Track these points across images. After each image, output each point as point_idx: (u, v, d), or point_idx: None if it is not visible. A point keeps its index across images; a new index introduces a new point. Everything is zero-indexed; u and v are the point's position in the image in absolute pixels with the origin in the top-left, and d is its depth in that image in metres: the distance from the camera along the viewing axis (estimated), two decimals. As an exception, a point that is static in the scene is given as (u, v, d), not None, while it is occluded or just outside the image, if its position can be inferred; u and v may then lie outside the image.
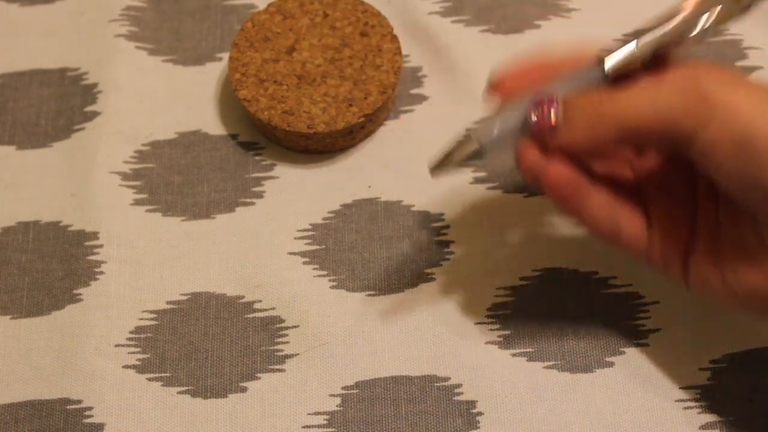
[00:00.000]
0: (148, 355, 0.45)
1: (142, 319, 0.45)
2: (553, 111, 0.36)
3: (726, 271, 0.36)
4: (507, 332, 0.44)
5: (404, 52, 0.51)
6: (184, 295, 0.46)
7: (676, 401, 0.43)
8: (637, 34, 0.36)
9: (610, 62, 0.36)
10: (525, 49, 0.51)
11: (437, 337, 0.45)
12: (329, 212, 0.48)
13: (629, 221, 0.38)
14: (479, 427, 0.43)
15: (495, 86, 0.38)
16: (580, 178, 0.37)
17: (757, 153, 0.33)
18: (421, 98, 0.50)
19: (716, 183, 0.35)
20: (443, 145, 0.38)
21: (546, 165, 0.36)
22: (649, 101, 0.34)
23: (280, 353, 0.44)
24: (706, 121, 0.33)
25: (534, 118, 0.36)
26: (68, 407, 0.43)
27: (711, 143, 0.33)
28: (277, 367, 0.44)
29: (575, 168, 0.37)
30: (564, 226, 0.46)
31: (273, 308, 0.45)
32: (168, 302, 0.46)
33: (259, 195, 0.48)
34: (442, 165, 0.38)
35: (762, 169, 0.33)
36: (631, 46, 0.36)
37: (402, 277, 0.46)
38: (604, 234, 0.38)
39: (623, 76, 0.36)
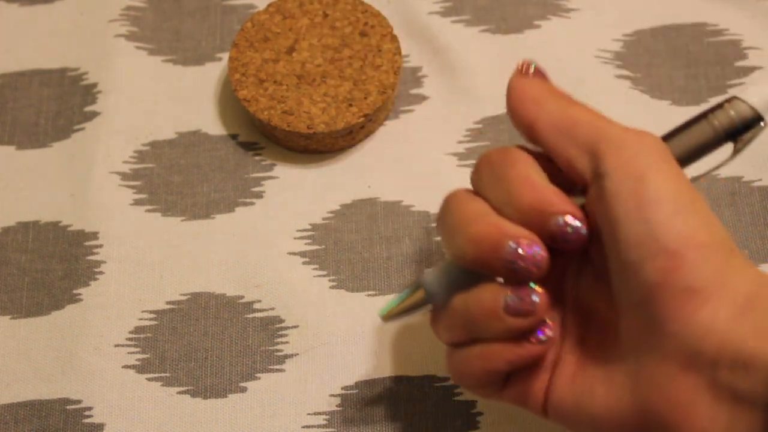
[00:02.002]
0: (147, 355, 0.45)
1: (141, 319, 0.45)
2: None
3: (583, 392, 0.33)
4: (507, 332, 0.44)
5: (404, 52, 0.51)
6: (183, 295, 0.46)
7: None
8: None
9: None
10: (524, 48, 0.51)
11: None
12: (329, 212, 0.48)
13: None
14: (479, 427, 0.43)
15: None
16: None
17: (659, 217, 0.31)
18: (420, 98, 0.50)
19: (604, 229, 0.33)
20: (394, 296, 0.38)
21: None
22: (596, 117, 0.34)
23: (280, 353, 0.44)
24: (623, 167, 0.32)
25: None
26: (68, 407, 0.43)
27: (614, 191, 0.32)
28: (277, 367, 0.44)
29: None
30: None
31: (273, 308, 0.45)
32: (168, 302, 0.46)
33: (259, 195, 0.48)
34: (392, 313, 0.37)
35: (663, 227, 0.31)
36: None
37: (402, 277, 0.46)
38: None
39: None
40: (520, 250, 0.32)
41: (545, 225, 0.33)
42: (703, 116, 0.35)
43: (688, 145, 0.35)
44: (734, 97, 0.35)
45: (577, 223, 0.33)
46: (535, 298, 0.33)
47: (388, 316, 0.37)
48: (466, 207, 0.35)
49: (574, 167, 0.33)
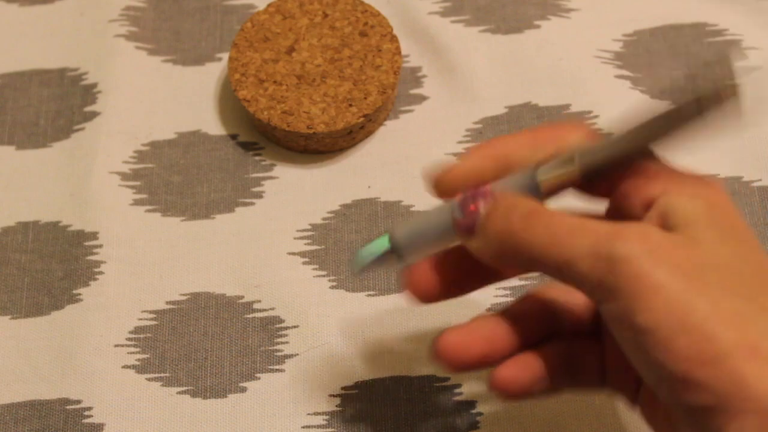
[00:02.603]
0: (147, 355, 0.45)
1: (141, 319, 0.45)
2: (481, 207, 0.32)
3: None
4: (507, 332, 0.44)
5: (404, 52, 0.51)
6: (183, 295, 0.46)
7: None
8: (583, 150, 0.32)
9: (544, 174, 0.32)
10: (524, 48, 0.51)
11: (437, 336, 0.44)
12: (329, 212, 0.48)
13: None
14: (479, 427, 0.43)
15: (436, 184, 0.35)
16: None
17: (656, 344, 0.28)
18: (420, 98, 0.50)
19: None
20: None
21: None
22: (559, 246, 0.30)
23: (280, 353, 0.44)
24: (607, 296, 0.29)
25: (458, 215, 0.33)
26: (68, 407, 0.43)
27: (610, 318, 0.30)
28: (277, 367, 0.44)
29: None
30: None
31: (272, 308, 0.45)
32: (167, 302, 0.46)
33: (259, 195, 0.48)
34: (357, 263, 0.36)
35: (662, 355, 0.28)
36: (570, 160, 0.31)
37: (402, 277, 0.46)
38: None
39: (559, 190, 0.32)
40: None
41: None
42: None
43: (654, 125, 0.31)
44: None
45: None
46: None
47: (357, 264, 0.36)
48: None
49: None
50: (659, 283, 0.28)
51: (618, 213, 0.32)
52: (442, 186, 0.35)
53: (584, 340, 0.35)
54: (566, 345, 0.34)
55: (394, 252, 0.35)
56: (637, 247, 0.29)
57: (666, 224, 0.30)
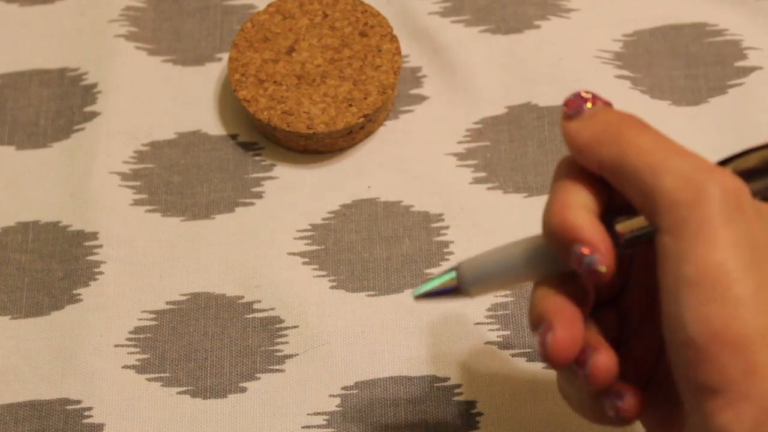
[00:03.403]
0: (147, 356, 0.45)
1: (141, 319, 0.45)
2: (589, 104, 0.32)
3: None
4: (507, 332, 0.44)
5: (404, 52, 0.51)
6: (183, 295, 0.46)
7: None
8: None
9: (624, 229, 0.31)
10: (524, 48, 0.51)
11: (437, 337, 0.45)
12: (329, 212, 0.48)
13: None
14: (479, 427, 0.43)
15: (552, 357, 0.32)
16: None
17: (689, 303, 0.28)
18: (420, 98, 0.50)
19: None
20: (432, 274, 0.35)
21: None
22: (659, 153, 0.29)
23: (280, 353, 0.44)
24: (672, 224, 0.28)
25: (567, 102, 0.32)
26: (68, 407, 0.43)
27: (662, 250, 0.29)
28: (277, 367, 0.44)
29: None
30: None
31: (272, 308, 0.45)
32: (167, 302, 0.46)
33: (259, 195, 0.48)
34: (423, 294, 0.35)
35: (691, 317, 0.28)
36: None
37: (402, 277, 0.46)
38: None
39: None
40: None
41: (568, 251, 0.31)
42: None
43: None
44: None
45: (591, 258, 0.30)
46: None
47: (419, 296, 0.35)
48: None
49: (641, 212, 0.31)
50: (725, 240, 0.28)
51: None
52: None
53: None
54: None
55: (461, 289, 0.34)
56: (727, 193, 0.28)
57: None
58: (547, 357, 0.31)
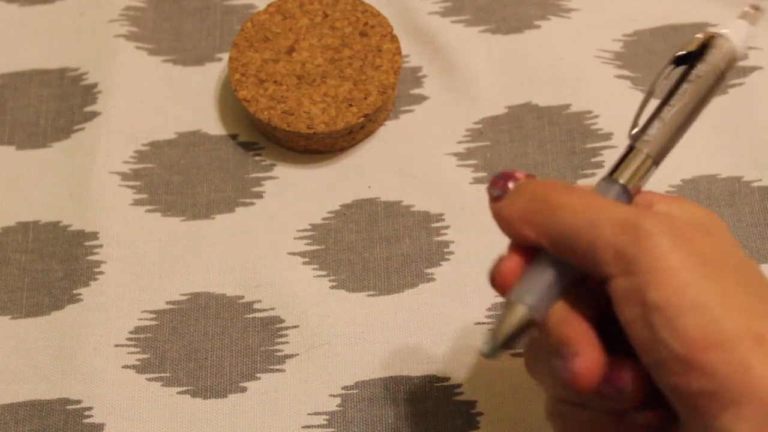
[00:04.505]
0: (147, 355, 0.45)
1: (141, 319, 0.45)
2: (511, 183, 0.33)
3: None
4: (507, 332, 0.44)
5: (404, 52, 0.51)
6: (183, 295, 0.46)
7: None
8: (636, 136, 0.34)
9: (626, 178, 0.33)
10: (524, 48, 0.51)
11: (437, 337, 0.45)
12: (329, 212, 0.48)
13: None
14: (479, 427, 0.43)
15: (497, 284, 0.33)
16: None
17: (664, 322, 0.28)
18: (421, 98, 0.50)
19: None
20: (493, 326, 0.32)
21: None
22: (589, 212, 0.30)
23: (280, 353, 0.44)
24: (624, 267, 0.29)
25: (492, 187, 0.33)
26: (68, 407, 0.43)
27: (620, 294, 0.29)
28: (277, 367, 0.44)
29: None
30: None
31: (273, 308, 0.45)
32: (168, 302, 0.46)
33: (259, 195, 0.48)
34: (495, 346, 0.31)
35: (668, 333, 0.28)
36: (639, 153, 0.33)
37: (402, 277, 0.46)
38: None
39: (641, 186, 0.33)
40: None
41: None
42: (694, 59, 0.34)
43: (695, 96, 0.34)
44: (717, 35, 0.34)
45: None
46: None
47: (494, 349, 0.32)
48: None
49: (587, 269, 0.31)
50: (678, 263, 0.29)
51: None
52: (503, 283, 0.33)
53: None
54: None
55: (535, 321, 0.32)
56: (663, 225, 0.29)
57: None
58: (572, 383, 0.30)
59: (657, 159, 0.33)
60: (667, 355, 0.28)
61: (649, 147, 0.33)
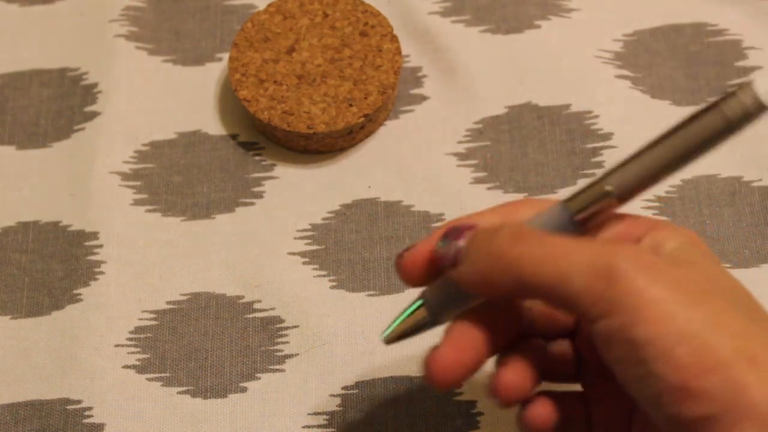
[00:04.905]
0: (147, 355, 0.45)
1: (141, 319, 0.45)
2: (461, 241, 0.32)
3: None
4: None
5: (404, 52, 0.51)
6: (183, 295, 0.46)
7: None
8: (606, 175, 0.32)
9: (577, 205, 0.32)
10: (524, 48, 0.51)
11: (437, 337, 0.44)
12: (329, 212, 0.48)
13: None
14: (479, 427, 0.43)
15: (401, 268, 0.34)
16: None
17: (655, 356, 0.28)
18: (421, 98, 0.50)
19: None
20: (394, 313, 0.35)
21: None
22: (554, 262, 0.29)
23: (280, 353, 0.44)
24: (604, 312, 0.29)
25: (440, 251, 0.32)
26: (68, 407, 0.43)
27: (605, 336, 0.29)
28: (277, 367, 0.44)
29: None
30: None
31: (273, 308, 0.45)
32: (168, 302, 0.46)
33: (259, 195, 0.48)
34: (393, 335, 0.35)
35: (661, 366, 0.28)
36: (600, 189, 0.31)
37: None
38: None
39: (595, 219, 0.32)
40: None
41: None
42: (713, 106, 0.31)
43: (698, 137, 0.30)
44: (745, 85, 0.31)
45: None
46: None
47: (390, 338, 0.35)
48: None
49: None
50: (658, 296, 0.28)
51: None
52: (408, 270, 0.34)
53: (571, 398, 0.35)
54: (554, 398, 0.34)
55: (430, 317, 0.34)
56: (634, 263, 0.29)
57: (657, 254, 0.31)
58: (425, 376, 0.32)
59: (621, 197, 0.31)
60: (662, 386, 0.28)
61: (615, 183, 0.31)
